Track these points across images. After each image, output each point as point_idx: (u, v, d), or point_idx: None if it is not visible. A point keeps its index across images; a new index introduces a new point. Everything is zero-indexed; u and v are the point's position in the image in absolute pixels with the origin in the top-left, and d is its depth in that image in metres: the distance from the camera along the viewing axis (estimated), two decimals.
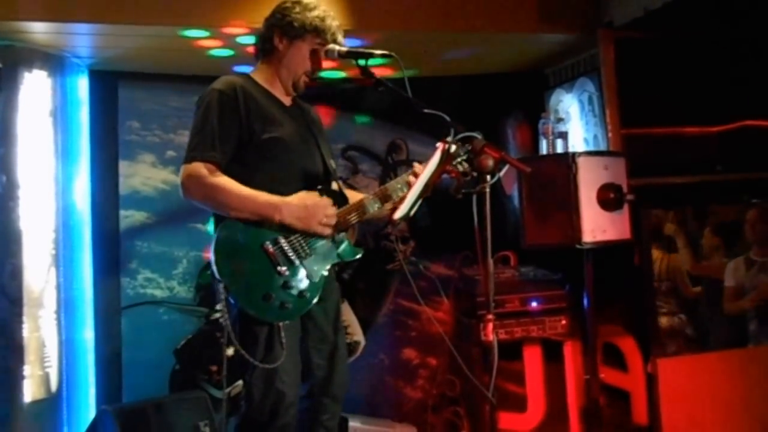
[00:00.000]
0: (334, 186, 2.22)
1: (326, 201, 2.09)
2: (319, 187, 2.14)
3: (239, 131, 2.06)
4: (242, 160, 2.08)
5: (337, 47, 2.18)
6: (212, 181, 2.01)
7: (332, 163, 2.28)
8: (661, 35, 3.42)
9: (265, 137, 2.09)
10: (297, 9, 2.19)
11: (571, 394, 3.38)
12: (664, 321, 3.44)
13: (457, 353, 2.54)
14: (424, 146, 3.92)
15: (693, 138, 3.52)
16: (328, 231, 2.08)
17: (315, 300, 2.10)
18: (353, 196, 2.25)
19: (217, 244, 2.01)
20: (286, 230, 2.05)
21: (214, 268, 1.99)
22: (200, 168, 2.01)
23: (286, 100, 2.24)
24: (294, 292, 2.04)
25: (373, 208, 2.17)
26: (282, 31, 2.19)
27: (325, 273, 2.12)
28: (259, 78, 2.21)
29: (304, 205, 2.05)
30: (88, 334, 3.65)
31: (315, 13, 2.18)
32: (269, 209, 2.02)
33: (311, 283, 2.08)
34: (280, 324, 2.04)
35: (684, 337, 3.49)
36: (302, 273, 2.06)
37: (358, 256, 2.19)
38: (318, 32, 2.17)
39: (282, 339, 2.03)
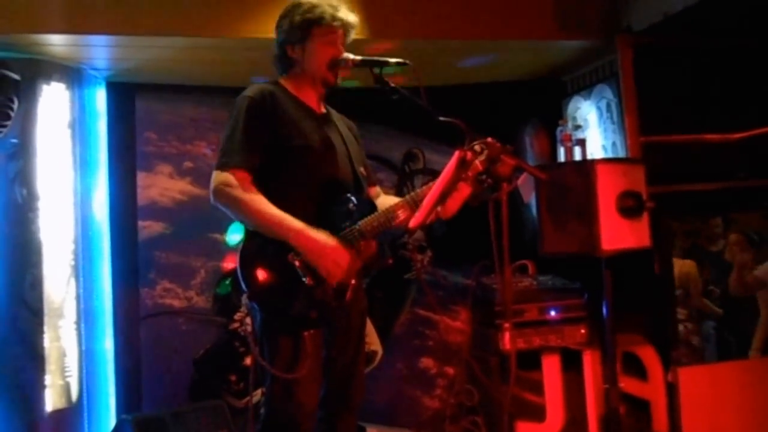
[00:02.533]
0: (364, 195, 2.22)
1: (347, 254, 2.06)
2: (348, 195, 2.15)
3: (268, 138, 2.08)
4: (272, 167, 2.09)
5: (351, 56, 2.19)
6: (239, 194, 2.03)
7: (363, 171, 2.28)
8: (680, 40, 3.39)
9: (294, 144, 2.10)
10: (293, 11, 2.19)
11: (591, 404, 3.35)
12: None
13: (475, 363, 2.52)
14: (441, 155, 3.90)
15: (713, 145, 3.48)
16: (331, 279, 2.04)
17: (341, 308, 2.11)
18: (386, 201, 2.24)
19: (243, 254, 2.04)
20: None
21: (240, 278, 2.02)
22: (230, 178, 2.04)
23: (317, 108, 2.25)
24: (320, 302, 2.06)
25: (396, 219, 2.14)
26: (290, 41, 2.20)
27: (352, 281, 2.12)
28: (288, 85, 2.22)
29: (322, 243, 2.03)
30: (107, 344, 3.69)
31: (309, 6, 2.18)
32: (286, 232, 2.02)
33: (338, 293, 2.09)
34: (306, 334, 2.06)
35: (689, 346, 3.46)
36: (327, 282, 2.07)
37: (387, 264, 2.20)
38: (320, 22, 2.15)
39: (307, 349, 2.05)
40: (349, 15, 2.21)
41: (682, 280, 3.45)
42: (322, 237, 2.05)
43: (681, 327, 3.35)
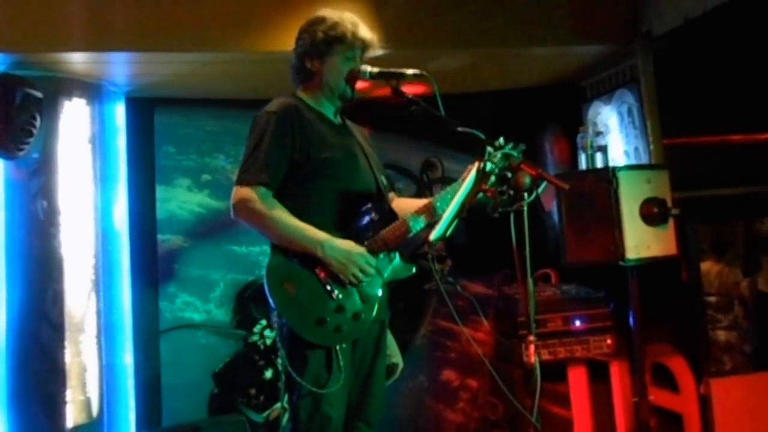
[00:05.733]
0: (385, 203, 2.22)
1: (370, 258, 2.08)
2: (369, 204, 2.15)
3: (292, 154, 2.09)
4: (297, 181, 2.10)
5: (368, 68, 2.20)
6: (260, 208, 2.04)
7: (383, 180, 2.29)
8: (701, 43, 3.35)
9: (320, 158, 2.11)
10: (315, 27, 2.21)
11: (620, 417, 3.29)
12: (721, 335, 3.32)
13: (498, 375, 2.49)
14: (460, 164, 3.88)
15: (740, 146, 3.42)
16: (355, 282, 2.07)
17: (371, 320, 2.10)
18: (408, 205, 2.23)
19: (270, 270, 2.05)
20: None
21: (268, 294, 2.03)
22: (251, 192, 2.05)
23: (336, 119, 2.27)
24: (348, 314, 2.05)
25: (417, 226, 2.14)
26: (310, 54, 2.22)
27: (379, 292, 2.12)
28: (307, 98, 2.24)
29: (348, 250, 2.05)
30: (127, 359, 3.70)
31: (331, 23, 2.20)
32: (312, 244, 2.04)
33: (366, 304, 2.09)
34: (337, 348, 2.05)
35: (741, 353, 3.38)
36: (355, 295, 2.08)
37: (412, 272, 2.19)
38: (342, 41, 2.18)
39: (340, 363, 2.04)
40: (368, 34, 2.23)
41: (723, 286, 3.38)
42: (347, 244, 2.06)
43: (724, 334, 3.27)
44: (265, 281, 2.03)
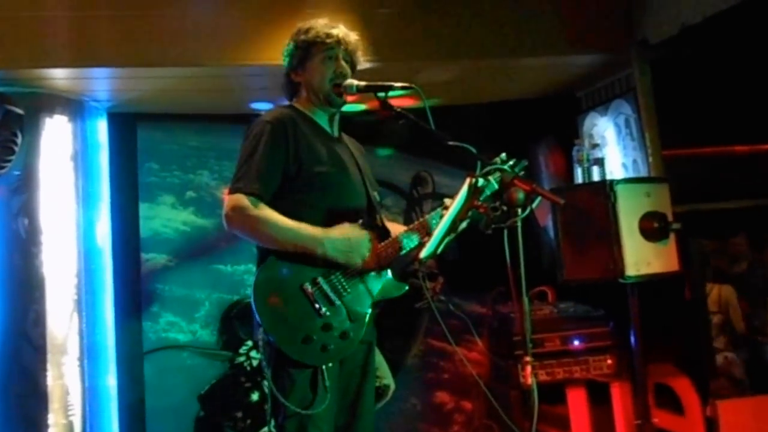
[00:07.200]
0: (377, 220, 2.21)
1: (370, 234, 2.09)
2: (360, 221, 2.12)
3: (286, 164, 2.09)
4: (288, 193, 2.09)
5: (355, 82, 2.17)
6: (255, 213, 2.03)
7: (376, 196, 2.27)
8: (700, 51, 3.29)
9: (311, 171, 2.10)
10: (292, 39, 2.24)
11: None
12: (719, 357, 3.23)
13: (493, 397, 2.44)
14: (452, 178, 3.87)
15: (743, 157, 3.35)
16: (371, 265, 2.07)
17: (359, 340, 2.07)
18: (394, 228, 2.22)
19: (257, 286, 2.03)
20: (326, 269, 2.04)
21: (254, 310, 2.00)
22: (244, 200, 2.04)
23: (332, 131, 2.26)
24: (336, 333, 2.03)
25: (411, 243, 2.12)
26: (293, 67, 2.23)
27: (369, 311, 2.09)
28: (302, 109, 2.23)
29: (347, 238, 2.06)
30: (110, 381, 3.64)
31: (305, 29, 2.22)
32: (312, 243, 2.03)
33: (354, 323, 2.06)
34: (323, 367, 2.02)
35: (731, 378, 3.29)
36: (344, 313, 2.05)
37: (404, 291, 2.16)
38: (316, 42, 2.19)
39: (326, 383, 2.01)
40: (344, 31, 2.23)
41: (720, 305, 3.30)
42: (345, 232, 2.06)
43: (720, 357, 3.18)
44: (251, 296, 2.01)
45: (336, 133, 2.26)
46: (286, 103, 2.27)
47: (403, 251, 2.11)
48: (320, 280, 2.03)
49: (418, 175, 4.04)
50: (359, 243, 2.06)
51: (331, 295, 2.03)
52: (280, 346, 1.99)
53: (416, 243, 2.11)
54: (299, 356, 1.99)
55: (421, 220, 2.14)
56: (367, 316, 2.07)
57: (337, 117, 2.26)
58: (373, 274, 2.09)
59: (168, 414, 3.66)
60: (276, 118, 2.12)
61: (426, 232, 2.10)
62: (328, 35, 2.18)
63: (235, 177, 2.08)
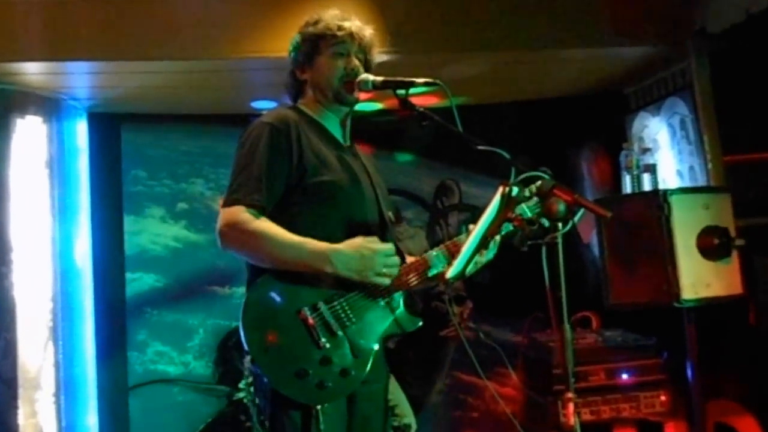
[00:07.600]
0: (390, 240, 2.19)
1: (386, 246, 2.07)
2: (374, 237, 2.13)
3: (288, 172, 2.07)
4: (289, 206, 2.08)
5: (371, 77, 2.17)
6: (253, 227, 2.01)
7: (390, 215, 2.26)
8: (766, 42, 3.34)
9: (317, 180, 2.09)
10: (299, 32, 2.24)
11: None
12: None
13: None
14: (481, 187, 3.89)
15: None
16: (387, 281, 2.05)
17: (362, 379, 2.04)
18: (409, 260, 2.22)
19: (246, 309, 2.01)
20: (330, 293, 2.03)
21: (242, 335, 1.98)
22: (241, 213, 2.02)
23: (344, 139, 2.26)
24: (335, 369, 2.00)
25: (440, 266, 2.10)
26: (299, 63, 2.24)
27: (375, 347, 2.06)
28: (308, 110, 2.24)
29: (359, 254, 2.03)
30: (91, 420, 3.69)
31: (312, 21, 2.22)
32: (318, 260, 2.01)
33: (357, 359, 2.03)
34: (318, 408, 2.00)
35: None
36: (346, 346, 2.02)
37: (418, 326, 2.13)
38: (325, 35, 2.19)
39: (320, 427, 1.98)
40: (358, 24, 2.23)
41: None
42: (355, 247, 2.03)
43: None
44: (240, 319, 1.99)
45: (347, 141, 2.26)
46: (290, 104, 2.27)
47: (431, 272, 2.09)
48: (321, 306, 2.00)
49: (442, 184, 4.07)
50: (373, 260, 2.03)
51: (334, 324, 2.00)
52: (268, 378, 1.96)
53: (446, 263, 2.08)
54: (290, 392, 1.96)
55: (453, 240, 2.10)
56: (373, 352, 2.04)
57: (348, 121, 2.26)
58: (382, 304, 2.07)
59: None
60: (277, 119, 2.11)
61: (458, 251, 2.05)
62: (340, 27, 2.18)
63: (230, 186, 2.06)
